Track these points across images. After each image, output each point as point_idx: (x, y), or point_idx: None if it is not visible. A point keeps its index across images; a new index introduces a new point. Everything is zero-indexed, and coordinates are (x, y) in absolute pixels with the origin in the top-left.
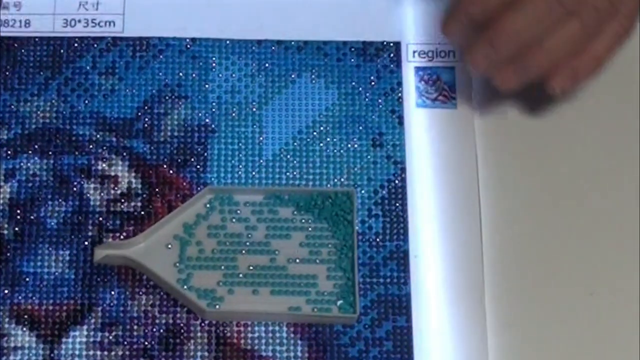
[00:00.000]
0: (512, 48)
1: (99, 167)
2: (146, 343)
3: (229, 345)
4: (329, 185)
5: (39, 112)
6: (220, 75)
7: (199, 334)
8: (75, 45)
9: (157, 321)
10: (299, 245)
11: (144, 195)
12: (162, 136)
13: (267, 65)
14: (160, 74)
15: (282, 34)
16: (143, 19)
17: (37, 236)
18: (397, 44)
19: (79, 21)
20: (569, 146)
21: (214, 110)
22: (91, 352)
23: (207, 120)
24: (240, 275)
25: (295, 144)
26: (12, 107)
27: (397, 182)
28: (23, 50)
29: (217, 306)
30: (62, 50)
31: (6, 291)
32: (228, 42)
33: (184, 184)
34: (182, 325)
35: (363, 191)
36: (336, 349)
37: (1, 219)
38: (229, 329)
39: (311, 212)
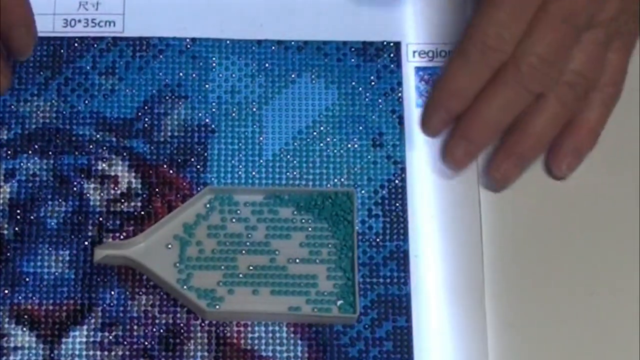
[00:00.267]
0: (489, 138)
1: (99, 167)
2: (146, 343)
3: (229, 345)
4: (329, 186)
5: (38, 112)
6: (220, 75)
7: (199, 334)
8: (75, 45)
9: (157, 321)
10: (299, 245)
11: (144, 195)
12: (162, 136)
13: (267, 65)
14: (160, 74)
15: (282, 34)
16: (143, 19)
17: (37, 236)
18: (397, 44)
19: (79, 21)
20: None
21: (214, 110)
22: (91, 352)
23: (207, 120)
24: (240, 275)
25: (296, 144)
26: (12, 107)
27: (397, 182)
28: None
29: (217, 306)
30: (62, 50)
31: (6, 291)
32: (228, 42)
33: (184, 184)
34: (182, 325)
35: (363, 191)
36: (336, 349)
37: (1, 219)
38: (229, 329)
39: (311, 212)
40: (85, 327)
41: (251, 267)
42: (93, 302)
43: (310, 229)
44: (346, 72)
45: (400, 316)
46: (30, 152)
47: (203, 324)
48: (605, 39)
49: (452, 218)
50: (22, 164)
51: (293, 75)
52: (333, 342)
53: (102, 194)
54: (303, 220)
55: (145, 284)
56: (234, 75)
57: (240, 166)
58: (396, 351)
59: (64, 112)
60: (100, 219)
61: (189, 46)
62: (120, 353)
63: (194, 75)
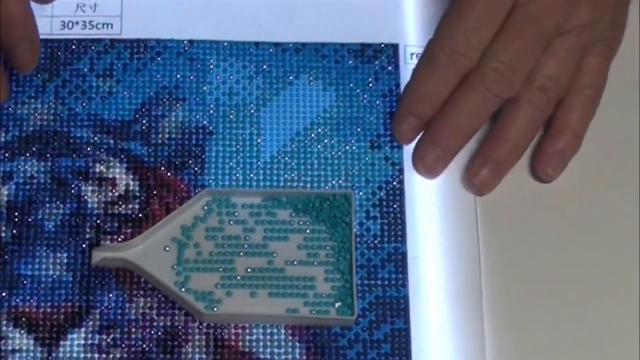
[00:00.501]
0: (458, 143)
1: (97, 170)
2: (144, 346)
3: (227, 347)
4: (326, 187)
5: (36, 115)
6: (218, 77)
7: (197, 337)
8: (73, 47)
9: (155, 324)
10: (296, 247)
11: (142, 198)
12: (160, 138)
13: (264, 67)
14: (158, 76)
15: (280, 35)
16: (140, 21)
17: (35, 239)
18: (395, 46)
19: (77, 23)
20: None
21: (211, 112)
22: (89, 355)
23: (204, 122)
24: (238, 278)
25: (293, 145)
26: (10, 109)
27: (395, 183)
28: None
29: (215, 309)
30: (59, 53)
31: (4, 294)
32: (226, 44)
33: (182, 186)
34: (180, 327)
35: (361, 193)
36: (334, 351)
37: None
38: (227, 331)
39: (309, 214)
40: (83, 329)
41: (249, 270)
42: (91, 304)
43: (308, 231)
44: (344, 73)
45: (399, 318)
46: (27, 154)
47: (201, 327)
48: (578, 44)
49: (449, 220)
50: (19, 167)
51: (291, 77)
52: (331, 344)
53: (99, 196)
54: (301, 222)
55: (143, 286)
56: (231, 77)
57: (238, 168)
58: (394, 353)
59: (62, 115)
60: (98, 221)
61: (186, 48)
62: (118, 356)
63: (191, 77)
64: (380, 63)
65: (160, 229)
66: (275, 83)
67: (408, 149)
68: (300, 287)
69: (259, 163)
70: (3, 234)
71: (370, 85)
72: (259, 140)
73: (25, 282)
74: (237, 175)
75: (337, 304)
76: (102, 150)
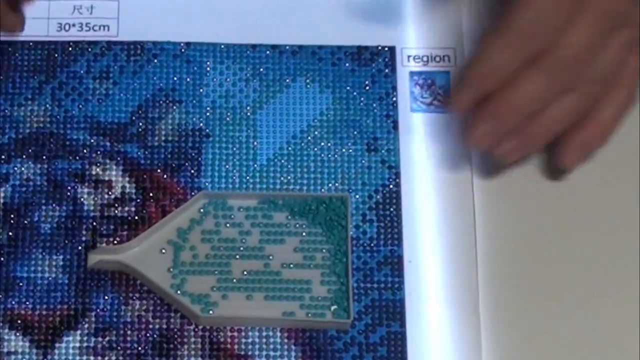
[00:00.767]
0: (514, 122)
1: (93, 172)
2: (140, 348)
3: (223, 350)
4: (323, 190)
5: (33, 117)
6: (215, 79)
7: (192, 339)
8: (70, 49)
9: (150, 326)
10: (293, 250)
11: (138, 200)
12: (157, 141)
13: (261, 69)
14: (155, 78)
15: (277, 38)
16: (137, 23)
17: (31, 241)
18: (392, 49)
19: (73, 25)
20: None
21: (208, 114)
22: (84, 357)
23: (201, 124)
24: (234, 281)
25: (290, 148)
26: (6, 111)
27: (391, 187)
28: (17, 55)
29: (211, 311)
30: (56, 55)
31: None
32: (222, 46)
33: (178, 188)
34: (175, 330)
35: (357, 196)
36: (330, 354)
37: None
38: (222, 334)
39: (305, 217)
40: (78, 332)
41: (245, 272)
42: (87, 307)
43: (304, 233)
44: (341, 76)
45: (395, 321)
46: (24, 156)
47: (197, 329)
48: (631, 40)
49: (446, 223)
50: (16, 169)
51: (287, 80)
52: (327, 347)
53: (96, 199)
54: (297, 225)
55: (139, 289)
56: (228, 80)
57: (235, 171)
58: (390, 356)
59: (58, 117)
60: (94, 223)
61: (183, 50)
62: (113, 358)
63: (188, 79)
64: (377, 66)
65: (156, 232)
66: (272, 86)
67: (404, 153)
68: (296, 290)
69: (256, 166)
70: None
71: (367, 88)
72: (255, 143)
73: (21, 284)
74: (234, 178)
75: (333, 307)
76: (98, 152)
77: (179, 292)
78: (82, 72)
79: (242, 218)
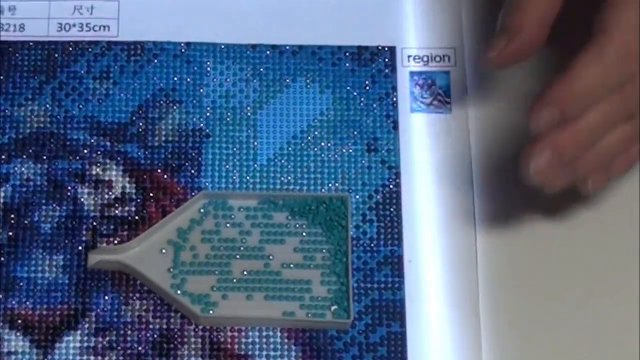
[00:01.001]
0: (573, 154)
1: (93, 172)
2: (140, 348)
3: (223, 350)
4: (323, 190)
5: (33, 117)
6: (215, 79)
7: (192, 339)
8: (70, 49)
9: (150, 326)
10: (293, 250)
11: (138, 200)
12: (157, 141)
13: (261, 69)
14: (155, 78)
15: (277, 38)
16: (137, 23)
17: (31, 241)
18: (392, 49)
19: (74, 25)
20: None
21: (208, 114)
22: (85, 357)
23: (201, 124)
24: (234, 281)
25: (290, 148)
26: (6, 111)
27: (391, 187)
28: (17, 55)
29: (211, 311)
30: (56, 55)
31: (0, 296)
32: (223, 46)
33: (178, 188)
34: (176, 330)
35: (357, 196)
36: (330, 354)
37: None
38: (222, 334)
39: (305, 217)
40: (79, 332)
41: (245, 272)
42: (87, 307)
43: (304, 234)
44: (341, 76)
45: (395, 321)
46: (24, 156)
47: (197, 329)
48: None
49: (446, 223)
50: (16, 169)
51: (288, 80)
52: (327, 347)
53: (96, 199)
54: (297, 225)
55: (139, 289)
56: (228, 80)
57: (235, 171)
58: (390, 357)
59: (58, 117)
60: (94, 223)
61: (183, 50)
62: (114, 358)
63: (188, 79)
64: (377, 66)
65: (156, 232)
66: (272, 86)
67: (404, 153)
68: (297, 290)
69: (256, 166)
70: None
71: (367, 88)
72: (255, 143)
73: (21, 284)
74: (234, 178)
75: (333, 307)
76: (98, 152)
77: (179, 292)
78: (82, 72)
79: (242, 218)
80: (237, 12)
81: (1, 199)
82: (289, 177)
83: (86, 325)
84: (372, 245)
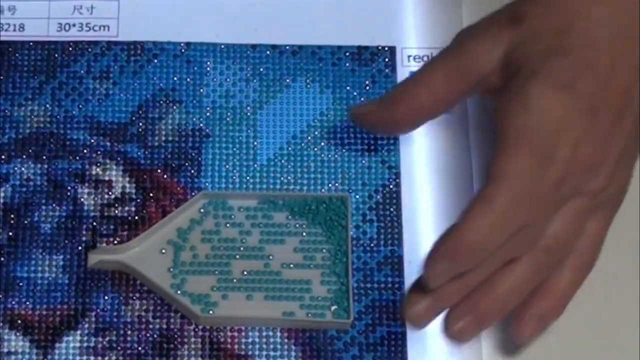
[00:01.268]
0: (459, 296)
1: (93, 172)
2: (140, 348)
3: (223, 350)
4: (323, 190)
5: (33, 117)
6: (215, 79)
7: (192, 339)
8: (70, 49)
9: (150, 326)
10: (293, 250)
11: (138, 200)
12: (157, 141)
13: (261, 69)
14: (155, 78)
15: (277, 38)
16: (137, 23)
17: (31, 241)
18: (392, 49)
19: (74, 25)
20: None
21: (208, 114)
22: (84, 357)
23: (201, 124)
24: (234, 281)
25: (290, 148)
26: (6, 111)
27: (391, 187)
28: (17, 55)
29: (211, 311)
30: (56, 55)
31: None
32: (223, 46)
33: (178, 188)
34: (176, 330)
35: (357, 196)
36: (330, 354)
37: None
38: (222, 334)
39: (305, 217)
40: (78, 332)
41: (245, 272)
42: (87, 307)
43: (304, 234)
44: (341, 76)
45: (395, 321)
46: (24, 156)
47: (197, 329)
48: (589, 208)
49: (446, 223)
50: (16, 169)
51: (288, 80)
52: (327, 347)
53: (96, 199)
54: (297, 225)
55: (139, 289)
56: (228, 80)
57: (235, 171)
58: (390, 357)
59: (58, 117)
60: (94, 223)
61: (183, 50)
62: (113, 358)
63: (188, 79)
64: (377, 66)
65: (156, 232)
66: (272, 86)
67: (404, 153)
68: (297, 290)
69: (256, 166)
70: None
71: (367, 88)
72: (255, 143)
73: (21, 284)
74: (234, 178)
75: (333, 307)
76: (98, 152)
77: (179, 292)
78: (82, 72)
79: (242, 218)
80: (237, 12)
81: (1, 199)
82: (289, 177)
83: (86, 326)
84: (372, 245)
